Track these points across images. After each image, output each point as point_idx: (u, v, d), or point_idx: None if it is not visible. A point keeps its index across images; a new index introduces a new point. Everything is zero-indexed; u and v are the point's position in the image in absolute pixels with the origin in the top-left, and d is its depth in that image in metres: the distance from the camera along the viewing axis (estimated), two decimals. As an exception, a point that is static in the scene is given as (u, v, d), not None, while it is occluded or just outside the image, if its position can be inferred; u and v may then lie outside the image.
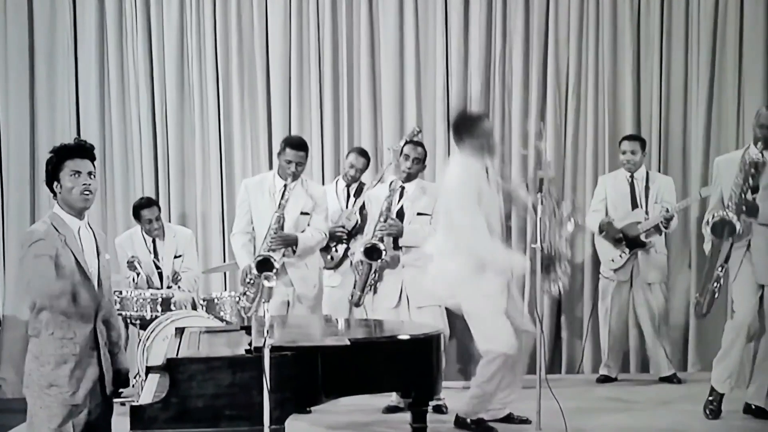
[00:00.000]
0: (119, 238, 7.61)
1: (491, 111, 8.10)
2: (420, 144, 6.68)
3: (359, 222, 7.05)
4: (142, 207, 7.41)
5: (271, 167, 8.01)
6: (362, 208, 7.07)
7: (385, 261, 6.39)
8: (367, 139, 7.93)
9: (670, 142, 8.01)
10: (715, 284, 6.12)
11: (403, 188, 6.52)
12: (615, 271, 7.47)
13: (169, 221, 7.98)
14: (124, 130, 8.20)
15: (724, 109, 7.86)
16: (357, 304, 6.62)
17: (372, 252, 6.39)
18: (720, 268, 6.07)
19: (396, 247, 6.45)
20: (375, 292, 6.52)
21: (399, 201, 6.50)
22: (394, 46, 8.12)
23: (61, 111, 8.18)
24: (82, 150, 4.17)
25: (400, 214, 6.48)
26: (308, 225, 6.54)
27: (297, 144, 6.53)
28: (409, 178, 6.52)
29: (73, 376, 4.07)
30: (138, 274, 7.23)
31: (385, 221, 6.42)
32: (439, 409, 6.48)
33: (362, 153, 7.35)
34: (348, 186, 7.25)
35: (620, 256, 7.40)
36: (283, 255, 6.44)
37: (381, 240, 6.38)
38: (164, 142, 8.19)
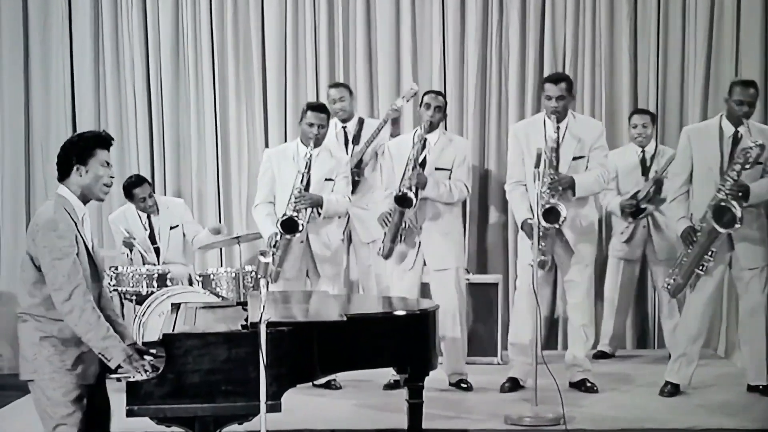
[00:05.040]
0: (113, 214, 7.60)
1: (488, 86, 8.09)
2: (440, 93, 6.72)
3: (356, 177, 7.12)
4: (133, 186, 7.38)
5: (266, 142, 8.02)
6: (360, 162, 7.09)
7: (415, 210, 6.38)
8: (363, 113, 7.89)
9: (667, 118, 7.99)
10: (701, 267, 6.13)
11: (425, 140, 6.50)
12: (626, 242, 7.45)
13: (165, 196, 7.96)
14: (119, 105, 8.18)
15: (722, 84, 7.77)
16: (387, 256, 6.57)
17: (403, 200, 6.35)
18: (710, 253, 6.08)
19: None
20: (403, 241, 6.50)
21: (422, 152, 6.48)
22: (390, 20, 8.07)
23: (55, 86, 8.15)
24: (110, 143, 4.18)
25: (422, 167, 6.47)
26: (332, 191, 6.53)
27: (318, 107, 6.59)
28: (431, 127, 6.51)
29: (82, 358, 4.05)
30: (132, 251, 7.23)
31: (413, 169, 6.39)
32: (463, 385, 6.53)
33: (337, 84, 7.47)
34: (344, 126, 7.27)
35: (627, 227, 7.37)
36: (309, 219, 6.44)
37: (410, 188, 6.34)
38: (159, 117, 8.18)
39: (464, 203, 7.95)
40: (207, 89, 8.14)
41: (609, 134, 7.91)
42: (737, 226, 5.88)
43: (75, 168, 4.08)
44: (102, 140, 4.15)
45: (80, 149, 4.10)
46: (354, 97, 7.54)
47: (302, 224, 6.33)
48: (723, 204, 5.91)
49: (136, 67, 8.13)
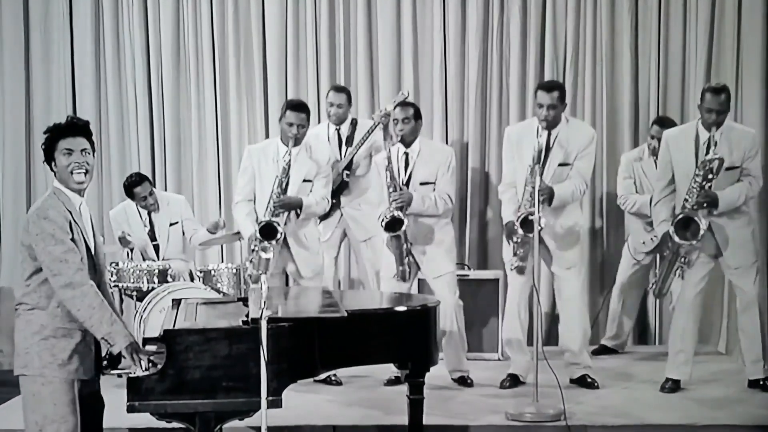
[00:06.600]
0: (113, 211, 7.59)
1: (489, 85, 8.09)
2: (409, 104, 6.64)
3: (344, 179, 7.09)
4: (134, 185, 7.35)
5: (267, 138, 8.00)
6: (350, 164, 7.09)
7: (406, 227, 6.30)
8: (364, 110, 7.89)
9: (668, 116, 7.96)
10: (677, 272, 6.16)
11: (407, 154, 6.47)
12: (645, 253, 7.42)
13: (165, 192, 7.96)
14: (120, 101, 8.20)
15: (723, 81, 7.79)
16: (404, 278, 6.48)
17: (393, 225, 6.30)
18: (683, 259, 6.10)
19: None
20: (413, 258, 6.49)
21: (407, 170, 6.45)
22: (391, 16, 8.08)
23: (56, 84, 8.17)
24: (74, 128, 4.10)
25: (407, 182, 6.44)
26: (310, 191, 6.47)
27: (297, 105, 6.48)
28: (405, 140, 6.45)
29: (77, 350, 4.02)
30: (132, 249, 7.22)
31: (395, 190, 6.34)
32: (464, 381, 6.53)
33: (340, 89, 7.34)
34: (338, 129, 7.22)
35: (651, 239, 7.31)
36: (286, 221, 6.37)
37: (399, 209, 6.29)
38: (160, 113, 8.19)
39: (465, 200, 7.97)
40: (208, 86, 8.15)
41: (610, 132, 7.96)
42: (697, 241, 5.92)
43: (51, 165, 4.10)
44: (59, 130, 4.08)
45: (44, 146, 4.10)
46: (351, 104, 7.44)
47: (281, 231, 6.27)
48: (683, 216, 5.96)
49: (137, 63, 8.14)
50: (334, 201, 6.92)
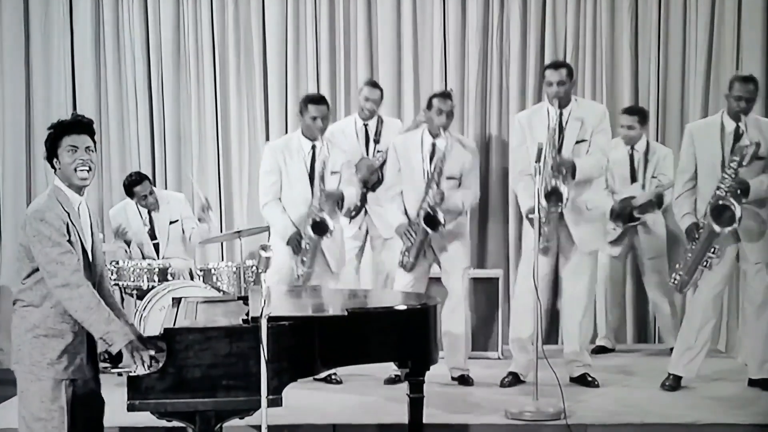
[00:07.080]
0: (113, 209, 7.61)
1: (489, 81, 8.09)
2: (448, 96, 6.60)
3: (381, 177, 7.04)
4: (134, 184, 7.36)
5: (267, 137, 8.01)
6: (384, 162, 7.03)
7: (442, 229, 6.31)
8: (365, 109, 7.90)
9: (667, 113, 7.99)
10: (704, 264, 6.13)
11: (434, 145, 6.44)
12: (610, 243, 7.45)
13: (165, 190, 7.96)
14: (120, 99, 8.20)
15: (722, 79, 7.79)
16: (411, 270, 6.48)
17: (434, 222, 6.29)
18: (712, 250, 6.08)
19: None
20: (425, 256, 6.50)
21: (432, 161, 6.41)
22: (391, 16, 8.08)
23: (57, 83, 8.17)
24: (79, 125, 4.11)
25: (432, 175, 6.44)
26: (339, 182, 6.48)
27: (318, 99, 6.50)
28: (433, 132, 6.46)
29: (67, 350, 4.03)
30: (128, 243, 7.24)
31: (437, 185, 6.35)
32: (465, 380, 6.54)
33: (375, 84, 7.34)
34: (366, 124, 7.21)
35: (613, 229, 7.36)
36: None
37: (437, 206, 6.29)
38: (160, 111, 8.19)
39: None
40: (208, 83, 8.16)
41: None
42: (735, 225, 5.90)
43: (54, 161, 4.09)
44: (64, 127, 4.09)
45: (48, 141, 4.10)
46: (383, 100, 7.41)
47: (332, 224, 6.28)
48: (721, 202, 5.93)
49: (137, 62, 8.15)
50: (364, 196, 7.03)
